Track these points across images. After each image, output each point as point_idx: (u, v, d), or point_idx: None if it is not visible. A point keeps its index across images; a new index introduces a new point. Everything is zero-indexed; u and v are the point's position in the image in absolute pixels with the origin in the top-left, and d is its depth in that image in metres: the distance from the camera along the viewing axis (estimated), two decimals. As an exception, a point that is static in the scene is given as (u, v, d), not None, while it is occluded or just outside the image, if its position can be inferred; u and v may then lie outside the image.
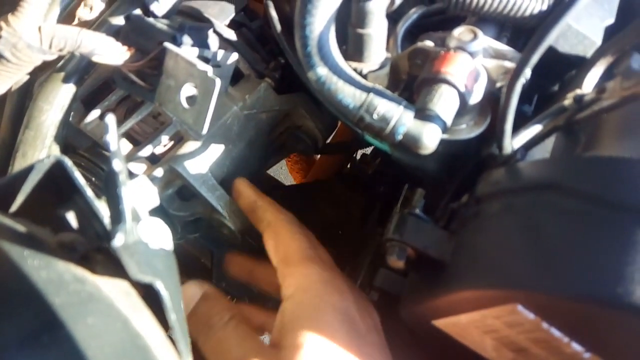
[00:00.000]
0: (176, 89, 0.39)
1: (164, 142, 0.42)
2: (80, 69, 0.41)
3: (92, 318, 0.19)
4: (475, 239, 0.29)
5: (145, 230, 0.23)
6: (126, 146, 0.43)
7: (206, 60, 0.40)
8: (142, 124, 0.44)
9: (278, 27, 0.40)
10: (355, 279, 0.44)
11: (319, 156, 0.73)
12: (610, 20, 0.37)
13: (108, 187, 0.21)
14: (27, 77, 0.41)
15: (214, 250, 0.49)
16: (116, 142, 0.20)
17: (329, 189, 0.56)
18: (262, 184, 0.42)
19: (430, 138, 0.32)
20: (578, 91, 0.32)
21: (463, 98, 0.33)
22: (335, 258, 0.39)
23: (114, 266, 0.21)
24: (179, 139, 0.43)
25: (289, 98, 0.46)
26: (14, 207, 0.23)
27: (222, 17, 0.45)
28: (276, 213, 0.40)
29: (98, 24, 0.42)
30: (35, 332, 0.18)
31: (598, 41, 0.36)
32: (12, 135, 0.42)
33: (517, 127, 0.31)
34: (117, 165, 0.20)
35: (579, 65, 0.36)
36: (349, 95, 0.34)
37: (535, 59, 0.27)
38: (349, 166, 0.64)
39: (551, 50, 0.36)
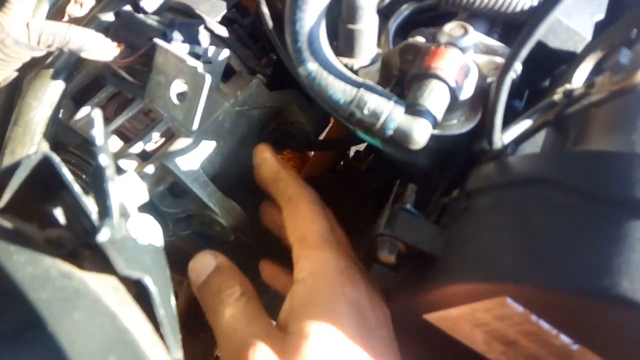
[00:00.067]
0: (166, 85, 0.38)
1: (155, 139, 0.42)
2: (69, 65, 0.40)
3: (78, 313, 0.19)
4: (466, 233, 0.29)
5: (134, 226, 0.23)
6: (117, 143, 0.43)
7: (197, 56, 0.40)
8: (132, 120, 0.44)
9: (270, 23, 0.40)
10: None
11: (312, 153, 0.73)
12: (600, 15, 0.38)
13: (95, 182, 0.21)
14: (16, 73, 0.41)
15: (206, 247, 0.48)
16: (102, 136, 0.20)
17: (323, 185, 0.56)
18: (255, 182, 0.42)
19: (420, 133, 0.33)
20: (568, 86, 0.32)
21: (453, 93, 0.33)
22: None
23: (102, 262, 0.21)
24: (170, 136, 0.42)
25: (281, 94, 0.46)
26: (1, 204, 0.23)
27: (213, 14, 0.45)
28: (299, 188, 0.38)
29: (88, 21, 0.42)
30: (19, 328, 0.17)
31: (588, 37, 0.36)
32: (0, 132, 0.41)
33: (508, 122, 0.32)
34: (104, 160, 0.20)
35: (569, 60, 0.36)
36: (340, 91, 0.34)
37: (524, 53, 0.27)
38: (342, 163, 0.64)
39: (542, 46, 0.36)
